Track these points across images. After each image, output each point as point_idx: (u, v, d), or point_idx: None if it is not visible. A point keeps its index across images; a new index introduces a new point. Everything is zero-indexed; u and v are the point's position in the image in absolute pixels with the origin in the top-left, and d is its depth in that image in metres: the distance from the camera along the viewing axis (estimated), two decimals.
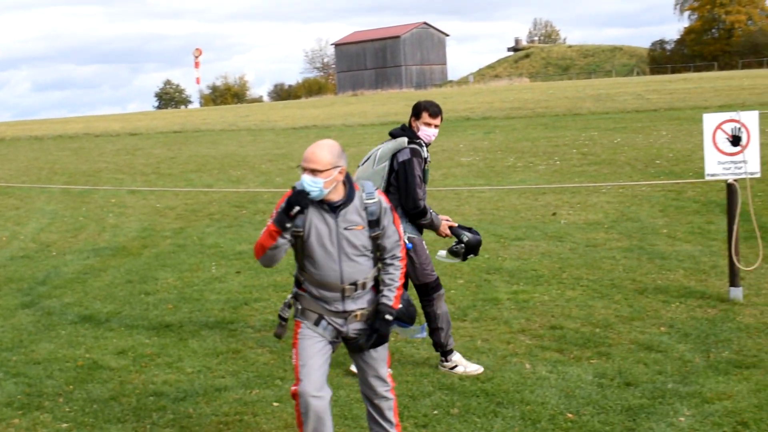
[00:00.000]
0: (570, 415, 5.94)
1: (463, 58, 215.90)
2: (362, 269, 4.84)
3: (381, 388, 5.05)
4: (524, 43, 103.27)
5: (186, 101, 78.90)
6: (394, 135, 6.91)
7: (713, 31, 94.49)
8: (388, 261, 4.91)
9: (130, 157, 29.79)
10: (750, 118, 8.28)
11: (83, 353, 8.27)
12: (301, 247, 4.86)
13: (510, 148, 23.02)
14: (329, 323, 4.96)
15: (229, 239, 13.93)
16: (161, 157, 28.51)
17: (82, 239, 15.22)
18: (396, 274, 4.95)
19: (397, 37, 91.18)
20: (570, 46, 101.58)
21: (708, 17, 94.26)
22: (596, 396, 6.28)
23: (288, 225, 4.68)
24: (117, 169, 25.85)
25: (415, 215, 6.67)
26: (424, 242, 6.91)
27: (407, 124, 6.89)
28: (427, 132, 6.79)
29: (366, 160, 7.01)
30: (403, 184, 6.57)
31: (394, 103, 44.81)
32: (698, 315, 8.31)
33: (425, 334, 5.88)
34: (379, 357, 5.05)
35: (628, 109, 29.60)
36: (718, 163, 8.39)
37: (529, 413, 5.97)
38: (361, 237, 4.80)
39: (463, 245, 6.87)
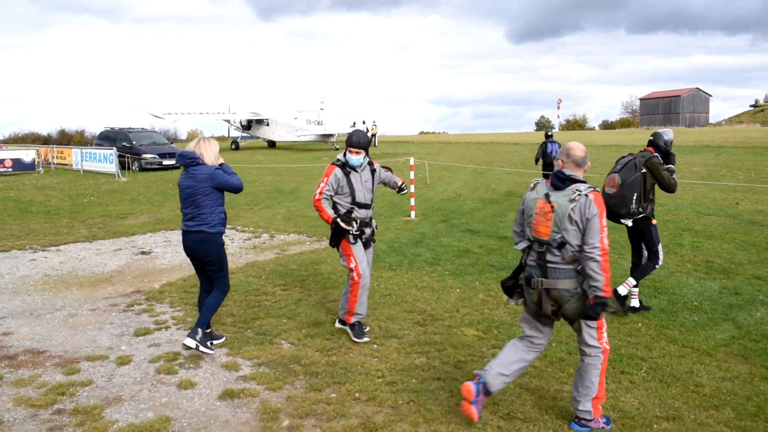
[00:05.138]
0: (695, 303, 7.14)
1: (722, 110, 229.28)
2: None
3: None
4: (761, 102, 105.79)
5: (551, 127, 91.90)
6: None
7: None
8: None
9: (510, 155, 32.48)
10: None
11: (462, 244, 10.60)
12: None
13: (725, 165, 23.13)
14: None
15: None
16: (530, 156, 31.18)
17: (477, 194, 17.66)
18: None
19: (679, 96, 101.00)
20: None
21: None
22: (715, 296, 7.36)
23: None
24: (503, 160, 28.81)
25: None
26: None
27: None
28: None
29: None
30: None
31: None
32: None
33: None
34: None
35: None
36: None
37: (675, 300, 7.29)
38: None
39: None
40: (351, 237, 5.96)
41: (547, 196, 4.14)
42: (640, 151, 7.12)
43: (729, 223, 12.15)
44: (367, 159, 6.07)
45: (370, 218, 6.14)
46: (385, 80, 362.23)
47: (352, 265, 6.01)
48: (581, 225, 4.01)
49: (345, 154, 6.02)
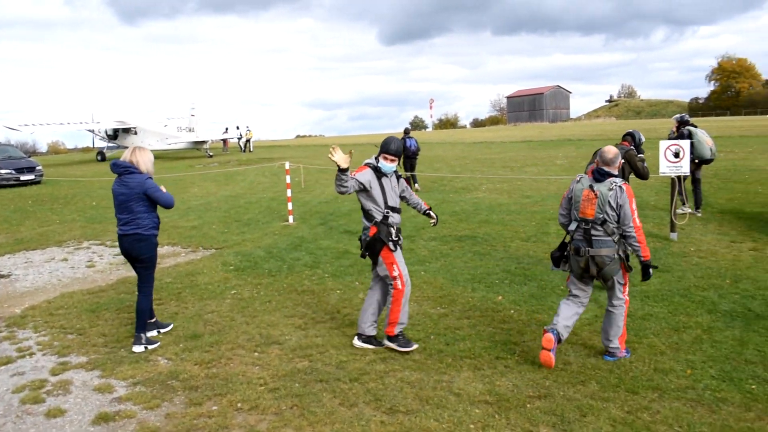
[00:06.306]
0: (561, 287, 7.77)
1: (581, 105, 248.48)
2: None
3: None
4: (615, 97, 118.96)
5: (425, 127, 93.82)
6: None
7: (728, 92, 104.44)
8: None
9: None
10: (684, 144, 9.60)
11: (341, 246, 10.67)
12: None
13: (585, 157, 24.30)
14: None
15: (427, 195, 16.26)
16: None
17: (354, 195, 18.67)
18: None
19: (542, 93, 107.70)
20: (642, 100, 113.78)
21: (725, 84, 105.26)
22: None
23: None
24: None
25: None
26: None
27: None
28: None
29: None
30: None
31: (534, 130, 51.55)
32: (650, 246, 9.30)
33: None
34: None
35: (662, 137, 31.10)
36: (666, 167, 9.68)
37: (543, 285, 8.08)
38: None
39: None
40: (392, 244, 5.74)
41: (591, 186, 5.34)
42: (617, 144, 8.07)
43: None
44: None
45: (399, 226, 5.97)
46: (258, 84, 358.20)
47: (396, 273, 5.77)
48: (616, 209, 5.22)
49: (377, 160, 5.83)
